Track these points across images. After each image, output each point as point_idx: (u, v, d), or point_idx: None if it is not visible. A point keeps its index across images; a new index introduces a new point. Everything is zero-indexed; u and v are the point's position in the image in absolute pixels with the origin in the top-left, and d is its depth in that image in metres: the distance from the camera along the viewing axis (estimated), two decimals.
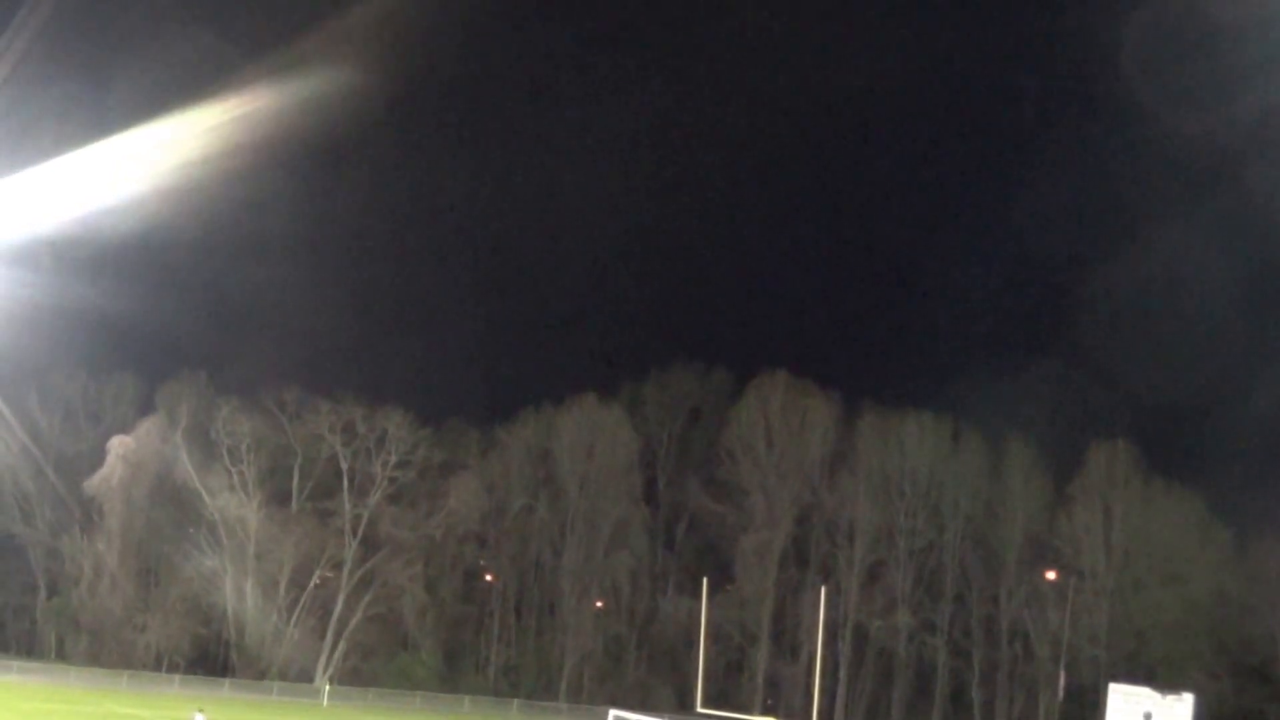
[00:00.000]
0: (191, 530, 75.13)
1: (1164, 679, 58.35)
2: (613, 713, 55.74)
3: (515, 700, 78.46)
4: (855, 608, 79.78)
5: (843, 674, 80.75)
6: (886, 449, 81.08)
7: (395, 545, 76.40)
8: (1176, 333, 79.97)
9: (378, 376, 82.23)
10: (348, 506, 76.27)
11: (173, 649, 75.07)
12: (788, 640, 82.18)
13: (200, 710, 46.36)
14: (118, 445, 76.49)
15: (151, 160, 42.53)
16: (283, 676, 72.98)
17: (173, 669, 73.64)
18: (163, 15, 70.41)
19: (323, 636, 75.90)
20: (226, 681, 72.19)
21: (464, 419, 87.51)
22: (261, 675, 73.06)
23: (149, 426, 77.22)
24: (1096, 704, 58.01)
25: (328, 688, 70.49)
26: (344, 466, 76.23)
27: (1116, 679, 54.43)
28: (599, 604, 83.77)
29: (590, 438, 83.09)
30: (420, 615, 77.61)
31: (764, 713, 69.97)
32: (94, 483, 75.61)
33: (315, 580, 75.51)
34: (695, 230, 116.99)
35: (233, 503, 74.52)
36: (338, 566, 75.85)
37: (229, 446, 74.83)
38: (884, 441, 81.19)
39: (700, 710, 46.42)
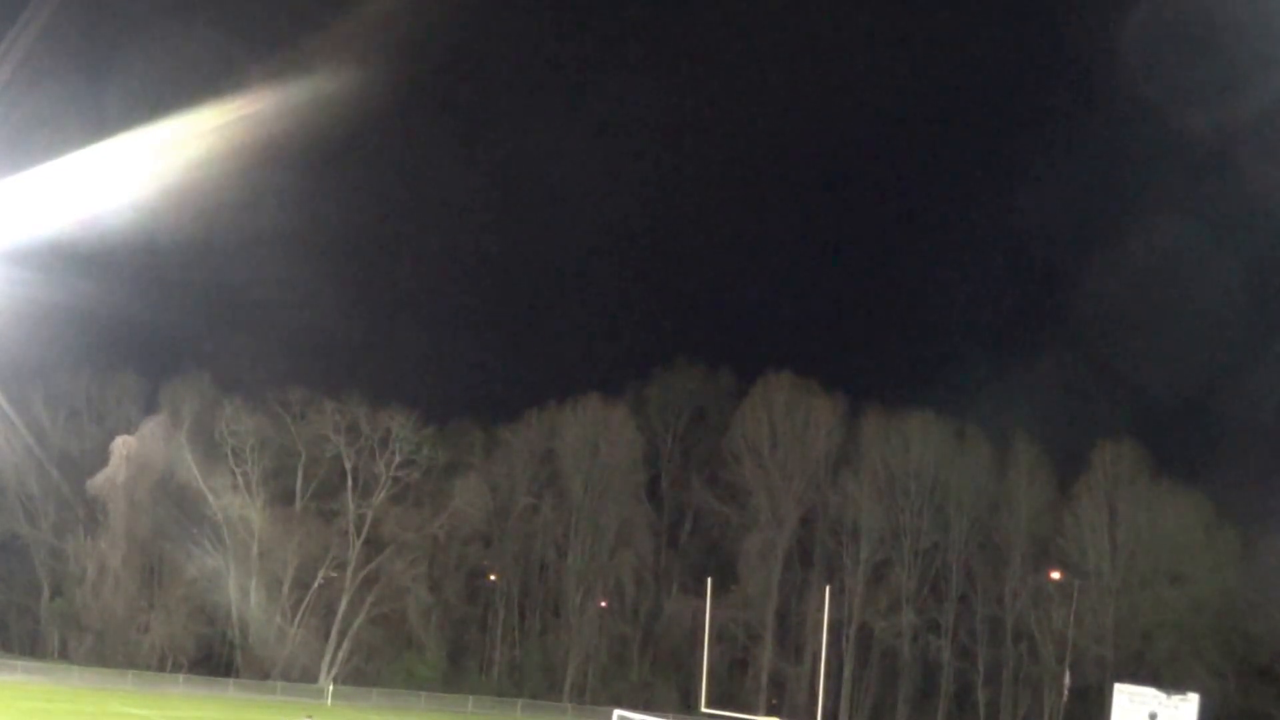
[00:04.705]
0: (195, 530, 75.06)
1: (1169, 679, 58.25)
2: (617, 713, 55.72)
3: (519, 700, 78.40)
4: (860, 608, 79.67)
5: (847, 674, 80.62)
6: (890, 449, 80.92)
7: (399, 545, 76.38)
8: (1181, 331, 79.83)
9: (382, 376, 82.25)
10: (351, 506, 76.27)
11: (177, 649, 75.06)
12: (792, 640, 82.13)
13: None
14: (121, 445, 76.52)
15: (155, 159, 42.54)
16: (286, 676, 72.97)
17: (177, 669, 73.65)
18: (166, 15, 70.40)
19: (326, 636, 75.91)
20: (231, 681, 72.25)
21: (468, 419, 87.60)
22: (265, 675, 73.08)
23: (153, 426, 77.26)
24: (1102, 704, 57.92)
25: (332, 688, 70.52)
26: (348, 466, 76.25)
27: (1121, 679, 54.45)
28: (603, 604, 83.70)
29: (594, 437, 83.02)
30: (424, 615, 77.60)
31: (768, 713, 69.98)
32: (98, 482, 75.64)
33: (319, 580, 75.47)
34: (699, 230, 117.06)
35: (236, 502, 74.54)
36: (341, 566, 75.84)
37: (233, 446, 74.85)
38: (888, 441, 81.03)
39: (704, 710, 46.37)
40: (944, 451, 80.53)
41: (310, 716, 46.89)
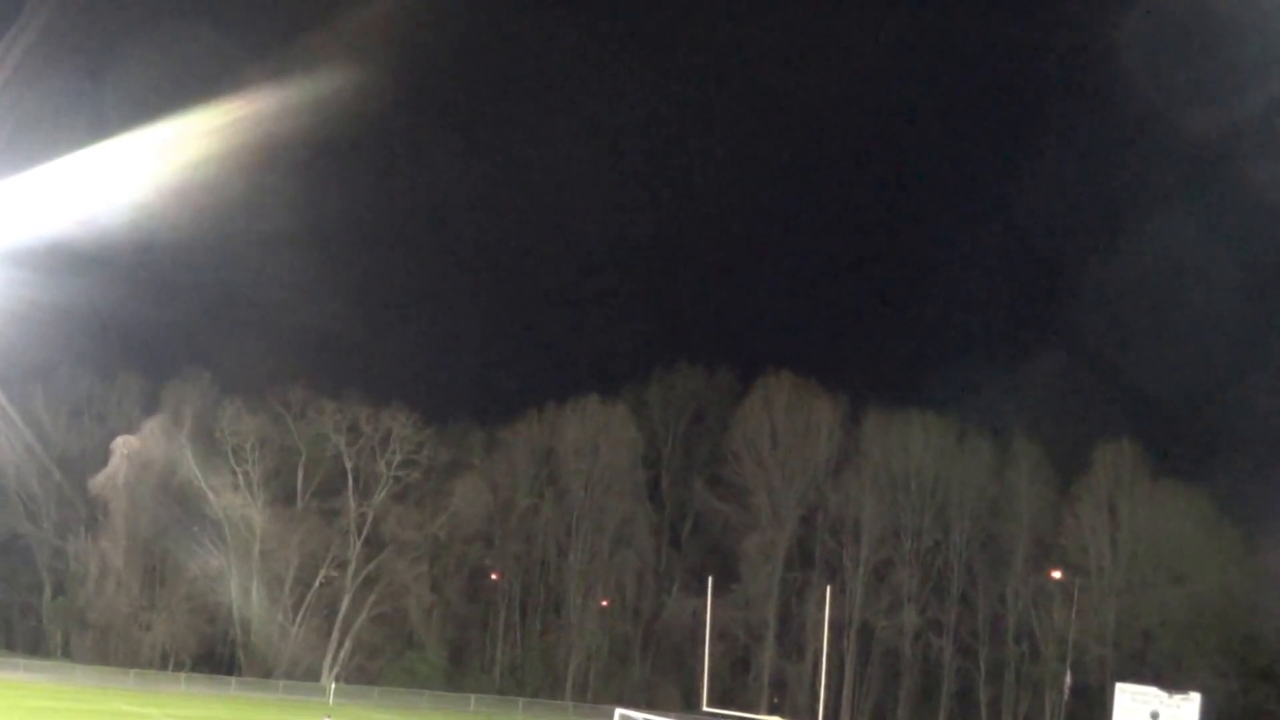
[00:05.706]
0: (196, 529, 75.18)
1: (1171, 678, 58.18)
2: (618, 712, 55.64)
3: (520, 699, 78.45)
4: (861, 607, 79.69)
5: (848, 673, 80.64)
6: (891, 448, 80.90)
7: (400, 544, 76.45)
8: (1182, 331, 79.81)
9: (382, 376, 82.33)
10: (352, 506, 76.36)
11: (179, 647, 75.21)
12: (793, 640, 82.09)
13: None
14: (123, 445, 76.60)
15: (155, 159, 42.58)
16: (288, 675, 73.06)
17: (179, 667, 73.82)
18: (166, 15, 70.44)
19: (328, 635, 76.00)
20: (233, 680, 72.35)
21: (468, 418, 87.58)
22: (267, 674, 73.18)
23: (154, 426, 77.32)
24: (1103, 704, 57.94)
25: (333, 686, 70.49)
26: (348, 466, 76.33)
27: (1123, 678, 54.35)
28: (604, 603, 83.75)
29: (594, 437, 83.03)
30: (426, 614, 77.67)
31: (770, 712, 69.87)
32: (99, 482, 75.74)
33: (320, 579, 75.57)
34: (699, 230, 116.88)
35: (237, 502, 74.62)
36: (342, 566, 75.94)
37: (234, 446, 74.93)
38: (889, 441, 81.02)
39: (706, 709, 46.28)
40: (945, 451, 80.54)
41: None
